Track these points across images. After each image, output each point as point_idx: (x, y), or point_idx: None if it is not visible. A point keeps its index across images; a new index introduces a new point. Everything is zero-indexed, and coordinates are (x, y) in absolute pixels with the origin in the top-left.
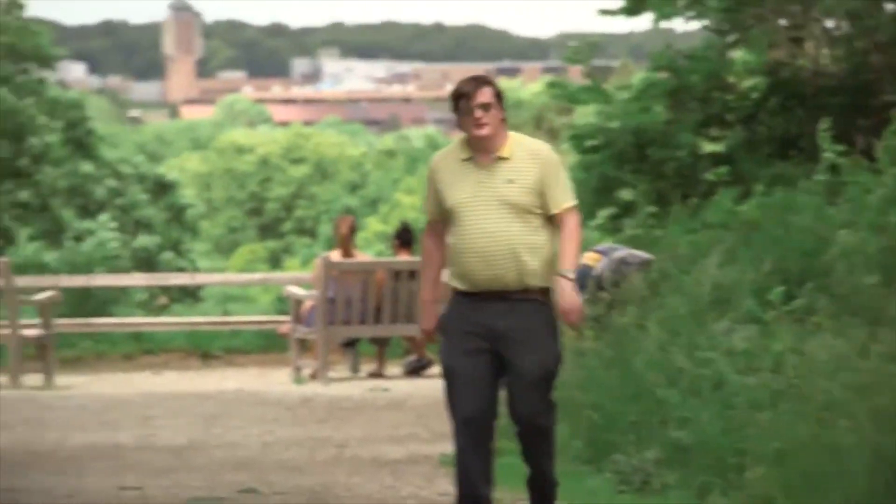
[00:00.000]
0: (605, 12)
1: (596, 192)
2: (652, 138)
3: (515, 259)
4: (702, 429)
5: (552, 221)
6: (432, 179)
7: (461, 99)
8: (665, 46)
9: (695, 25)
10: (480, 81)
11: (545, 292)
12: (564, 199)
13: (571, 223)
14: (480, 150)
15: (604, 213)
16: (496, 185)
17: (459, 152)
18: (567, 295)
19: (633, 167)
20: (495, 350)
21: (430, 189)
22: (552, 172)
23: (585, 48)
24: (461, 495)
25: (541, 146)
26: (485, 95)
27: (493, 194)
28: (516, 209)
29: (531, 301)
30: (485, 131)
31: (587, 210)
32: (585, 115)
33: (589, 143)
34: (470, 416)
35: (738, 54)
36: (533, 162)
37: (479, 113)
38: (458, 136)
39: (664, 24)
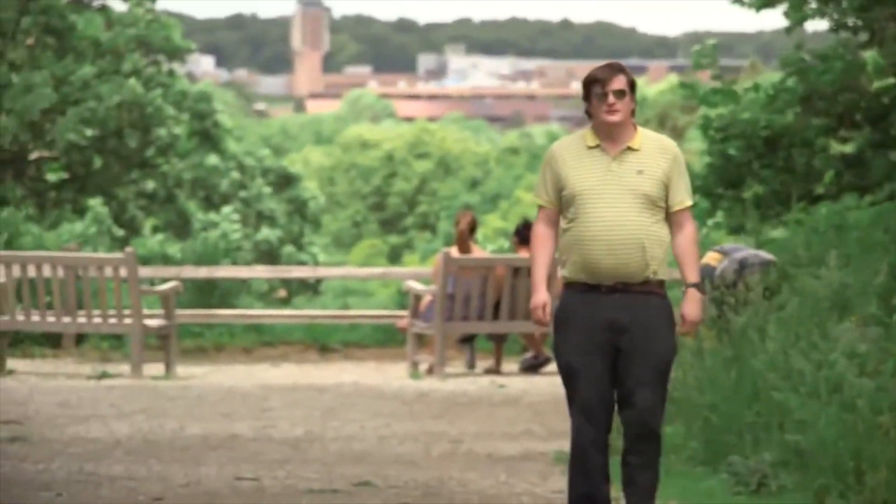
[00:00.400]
0: (735, 1)
1: (723, 181)
2: (782, 135)
3: (641, 250)
4: (820, 432)
5: (668, 217)
6: (552, 166)
7: (595, 84)
8: (795, 47)
9: (825, 24)
10: (616, 68)
11: (662, 285)
12: (686, 197)
13: (690, 227)
14: (609, 139)
15: (725, 207)
16: (626, 174)
17: (585, 140)
18: (694, 307)
19: (762, 161)
20: (614, 343)
21: (549, 175)
22: (679, 169)
23: (710, 51)
24: (578, 493)
25: (669, 141)
26: (620, 82)
27: (622, 183)
28: (645, 200)
29: (651, 294)
30: (617, 117)
31: (713, 199)
32: (710, 114)
33: (719, 133)
34: (591, 410)
35: (869, 55)
36: (662, 156)
37: (612, 99)
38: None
39: (789, 19)
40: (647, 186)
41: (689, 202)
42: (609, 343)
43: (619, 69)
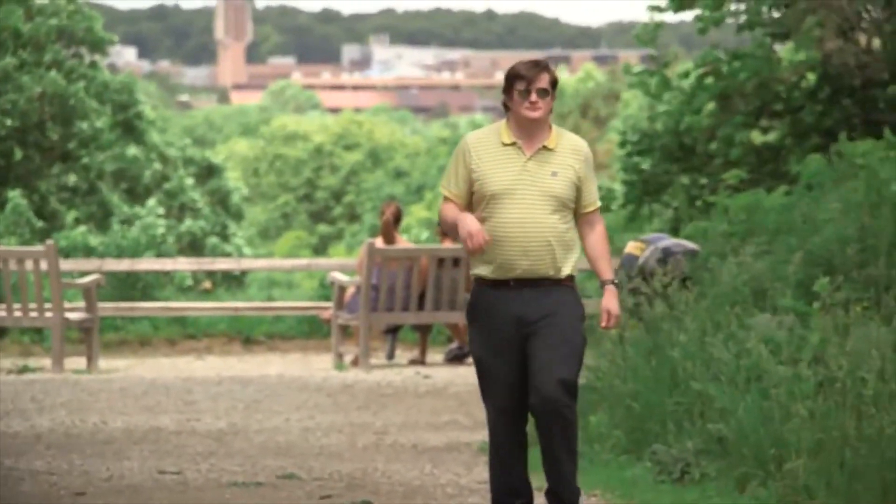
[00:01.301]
0: (653, 8)
1: (643, 192)
2: (697, 137)
3: (550, 251)
4: (740, 420)
5: (578, 218)
6: (465, 159)
7: (519, 80)
8: (710, 47)
9: (741, 19)
10: (541, 66)
11: (571, 278)
12: (596, 198)
13: (601, 226)
14: (526, 136)
15: (647, 214)
16: (540, 175)
17: (501, 136)
18: (614, 302)
19: (679, 166)
20: (525, 335)
21: (461, 169)
22: (589, 170)
23: (653, 30)
24: (499, 486)
25: (581, 142)
26: (544, 81)
27: (536, 184)
28: (557, 202)
29: (559, 285)
30: (538, 114)
31: (635, 205)
32: (632, 106)
33: (635, 147)
34: (503, 408)
35: (785, 50)
36: (575, 157)
37: (535, 97)
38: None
39: (704, 15)
40: (560, 189)
41: (598, 203)
42: (519, 337)
43: (545, 67)
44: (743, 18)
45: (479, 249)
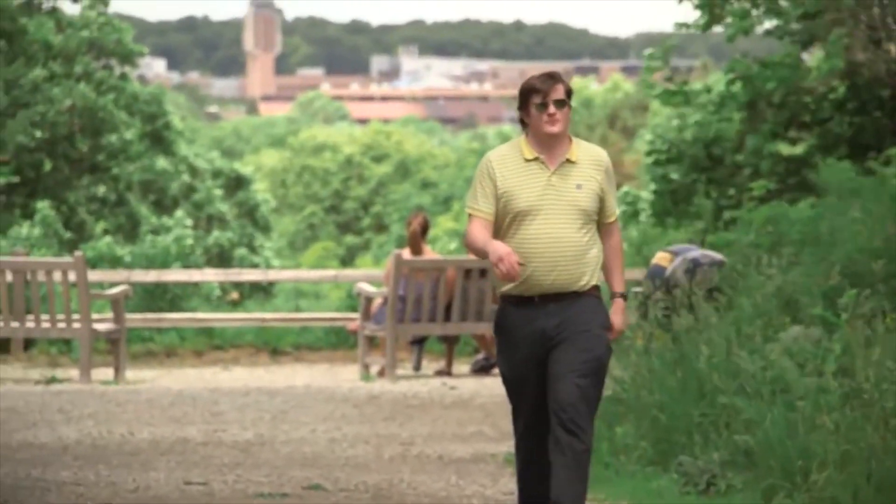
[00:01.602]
0: (681, 25)
1: (671, 202)
2: (727, 147)
3: (578, 264)
4: (766, 432)
5: (599, 228)
6: (490, 177)
7: (534, 94)
8: (741, 55)
9: (772, 27)
10: (555, 77)
11: (596, 288)
12: (615, 209)
13: (617, 237)
14: (548, 151)
15: (675, 224)
16: (566, 189)
17: (522, 152)
18: (619, 316)
19: (707, 175)
20: (548, 348)
21: (488, 187)
22: (611, 181)
23: (661, 53)
24: (527, 497)
25: (601, 152)
26: (559, 92)
27: (562, 199)
28: (582, 215)
29: (583, 295)
30: (557, 128)
31: (663, 215)
32: (660, 115)
33: (662, 155)
34: (530, 424)
35: (814, 59)
36: (597, 168)
37: (553, 108)
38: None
39: (733, 27)
40: (585, 201)
41: (617, 213)
42: (543, 351)
43: (558, 78)
44: (772, 26)
45: (510, 276)
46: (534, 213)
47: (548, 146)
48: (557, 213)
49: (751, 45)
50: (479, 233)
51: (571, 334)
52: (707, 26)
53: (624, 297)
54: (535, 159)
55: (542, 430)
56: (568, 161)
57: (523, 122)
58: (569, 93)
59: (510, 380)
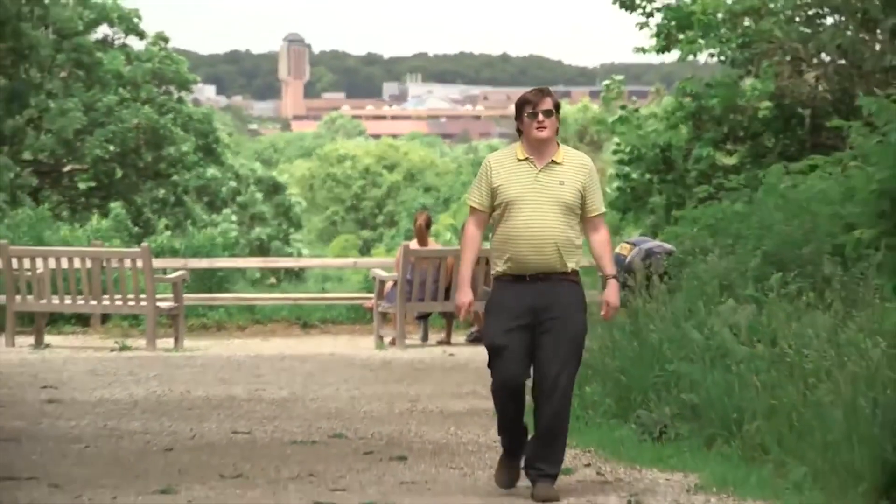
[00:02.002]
0: (639, 49)
1: (631, 198)
2: (677, 154)
3: (557, 249)
4: (708, 390)
5: (584, 222)
6: (488, 174)
7: (527, 105)
8: (690, 77)
9: (714, 59)
10: (545, 92)
11: (577, 273)
12: (600, 205)
13: (604, 230)
14: (537, 153)
15: (633, 218)
16: (550, 184)
17: (516, 154)
18: (614, 294)
19: (660, 177)
20: (535, 323)
21: (484, 183)
22: (593, 181)
23: (617, 86)
24: (506, 429)
25: (586, 158)
26: (548, 104)
27: (546, 192)
28: (564, 207)
29: (566, 280)
30: (545, 133)
31: (624, 210)
32: (621, 132)
33: (625, 159)
34: (507, 378)
35: (749, 83)
36: (580, 169)
37: (542, 117)
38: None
39: (690, 58)
40: (567, 196)
41: (603, 209)
42: (530, 322)
43: (548, 93)
44: (715, 52)
45: (463, 318)
46: (521, 202)
47: (537, 149)
48: (542, 204)
49: (698, 70)
50: (465, 255)
51: (557, 319)
52: (662, 50)
53: (616, 278)
54: (526, 159)
55: (515, 385)
56: (554, 162)
57: (519, 131)
58: (556, 105)
59: (497, 346)
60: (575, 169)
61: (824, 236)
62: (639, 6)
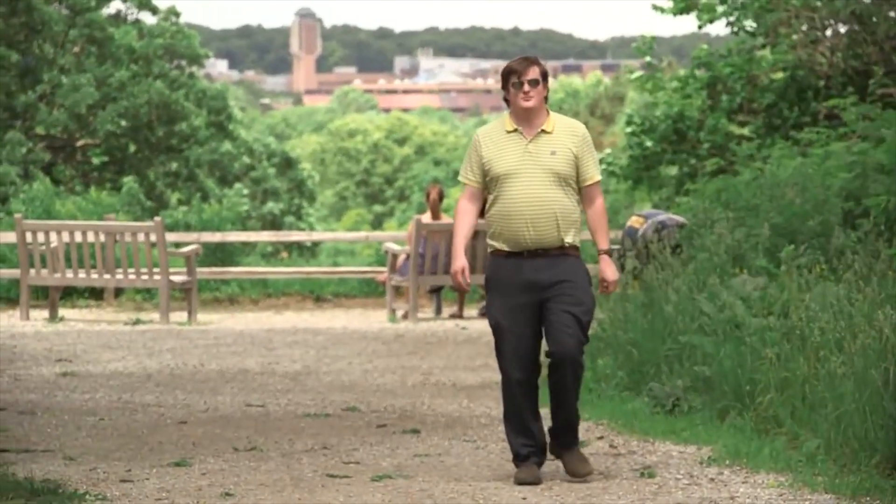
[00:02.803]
0: (656, 8)
1: (643, 167)
2: (690, 124)
3: (555, 222)
4: (721, 362)
5: (580, 191)
6: (476, 150)
7: (512, 75)
8: (705, 46)
9: (728, 30)
10: (530, 60)
11: (576, 248)
12: (595, 173)
13: (600, 200)
14: (526, 123)
15: (645, 187)
16: (541, 155)
17: (505, 125)
18: (610, 270)
19: (672, 147)
20: (539, 300)
21: (475, 158)
22: (587, 148)
23: (648, 42)
24: (516, 434)
25: (577, 123)
26: (534, 73)
27: (539, 163)
28: (558, 178)
29: (567, 255)
30: (531, 103)
31: (636, 180)
32: (636, 103)
33: (638, 127)
34: (517, 362)
35: (763, 54)
36: (571, 137)
37: (527, 87)
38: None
39: (705, 28)
40: (560, 165)
41: (598, 177)
42: (533, 300)
43: (534, 61)
44: (729, 24)
45: (459, 289)
46: (513, 176)
47: (525, 119)
48: (534, 176)
49: (711, 42)
50: (459, 226)
51: (562, 293)
52: (680, 12)
53: (609, 253)
54: (515, 130)
55: (528, 383)
56: (543, 132)
57: (507, 101)
58: (544, 74)
59: (501, 326)
60: (566, 137)
61: (835, 208)
62: None
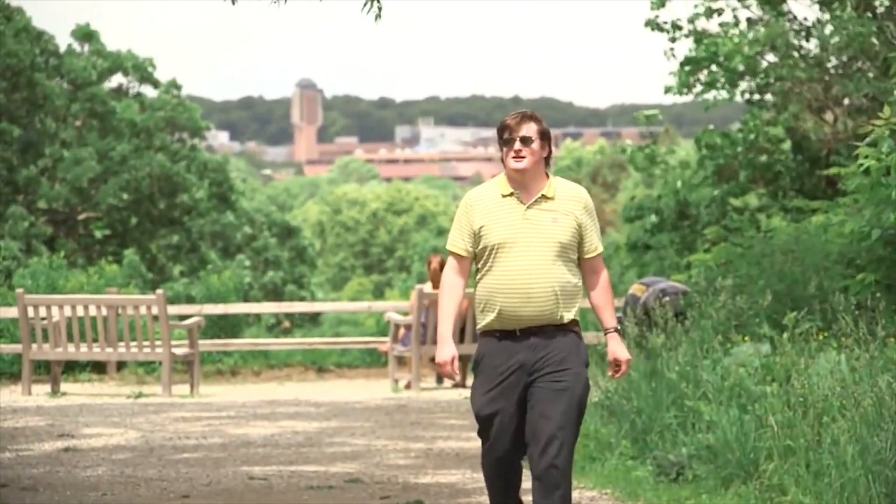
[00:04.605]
0: (668, 90)
1: (643, 244)
2: (693, 203)
3: (555, 298)
4: (725, 430)
5: (581, 263)
6: (468, 214)
7: (503, 131)
8: (704, 130)
9: (728, 97)
10: (525, 116)
11: (575, 323)
12: (599, 244)
13: (604, 274)
14: (522, 187)
15: (646, 261)
16: (541, 223)
17: (499, 188)
18: (622, 349)
19: (672, 226)
20: (526, 382)
21: (465, 224)
22: (591, 217)
23: (653, 115)
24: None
25: (581, 189)
26: (528, 129)
27: (537, 232)
28: (559, 248)
29: (563, 330)
30: (522, 164)
31: (635, 255)
32: (637, 173)
33: (636, 212)
34: (499, 457)
35: (769, 126)
36: (575, 204)
37: (518, 146)
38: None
39: (708, 98)
40: (562, 235)
41: (601, 248)
42: (520, 383)
43: (530, 117)
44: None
45: (449, 377)
46: (508, 246)
47: (521, 182)
48: (533, 246)
49: (710, 112)
50: (445, 305)
51: (550, 375)
52: (681, 90)
53: (618, 330)
54: (511, 195)
55: (511, 464)
56: (544, 197)
57: (503, 161)
58: (542, 133)
59: (486, 416)
60: (569, 203)
61: (834, 275)
62: (665, 29)
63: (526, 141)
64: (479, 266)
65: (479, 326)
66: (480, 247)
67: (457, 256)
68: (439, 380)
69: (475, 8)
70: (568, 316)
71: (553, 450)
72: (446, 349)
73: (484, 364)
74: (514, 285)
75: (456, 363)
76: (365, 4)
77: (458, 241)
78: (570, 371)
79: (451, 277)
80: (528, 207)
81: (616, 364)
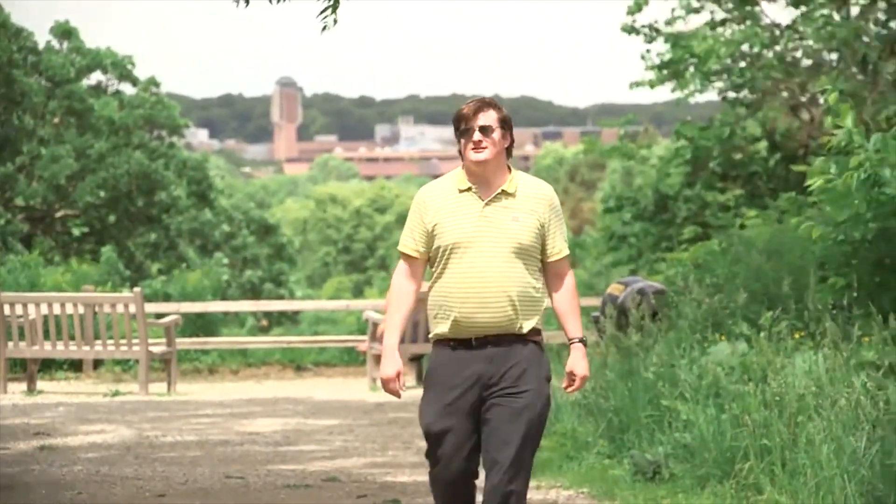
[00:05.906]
0: (635, 85)
1: (619, 242)
2: (671, 196)
3: (512, 305)
4: (702, 429)
5: (545, 267)
6: (421, 212)
7: (461, 121)
8: (684, 122)
9: (706, 98)
10: (484, 103)
11: (537, 332)
12: (564, 246)
13: (570, 279)
14: (481, 181)
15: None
16: (500, 221)
17: (456, 183)
18: (581, 363)
19: (652, 220)
20: (481, 397)
21: (418, 223)
22: (556, 216)
23: (631, 118)
24: None
25: (545, 186)
26: (487, 118)
27: (496, 232)
28: (519, 250)
29: (525, 343)
30: (483, 155)
31: (614, 251)
32: (617, 171)
33: (615, 203)
34: (447, 478)
35: (749, 122)
36: (538, 201)
37: (477, 136)
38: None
39: (680, 94)
40: (522, 235)
41: (567, 251)
42: (476, 399)
43: (488, 104)
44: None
45: (394, 394)
46: (464, 247)
47: (480, 176)
48: (490, 247)
49: (692, 110)
50: (393, 315)
51: (508, 392)
52: (657, 84)
53: (583, 342)
54: (468, 190)
55: (463, 484)
56: (504, 192)
57: (461, 154)
58: (503, 121)
59: (436, 433)
60: (532, 201)
61: (809, 274)
62: (642, 32)
63: (486, 130)
64: (433, 269)
65: (431, 335)
66: (434, 247)
67: (408, 258)
68: (418, 378)
69: (455, 7)
70: (528, 325)
71: (511, 475)
72: (391, 364)
73: (436, 377)
74: (468, 290)
75: (402, 379)
76: (323, 10)
77: (409, 242)
78: (530, 390)
79: (401, 282)
80: (486, 204)
81: (572, 377)
